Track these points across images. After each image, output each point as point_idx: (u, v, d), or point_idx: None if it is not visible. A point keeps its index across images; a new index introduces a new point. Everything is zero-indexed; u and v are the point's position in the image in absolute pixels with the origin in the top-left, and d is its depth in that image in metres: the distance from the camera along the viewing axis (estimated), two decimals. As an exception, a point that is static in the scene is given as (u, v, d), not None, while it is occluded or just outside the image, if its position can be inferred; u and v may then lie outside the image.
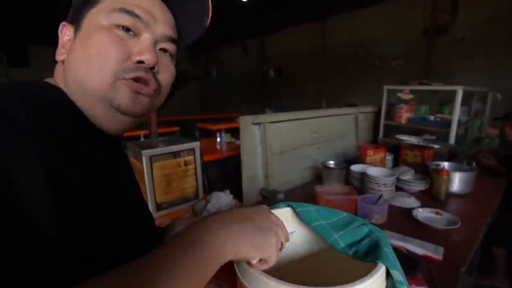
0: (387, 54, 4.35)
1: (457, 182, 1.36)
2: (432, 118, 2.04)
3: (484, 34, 3.37)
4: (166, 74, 0.42)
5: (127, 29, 0.38)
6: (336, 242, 0.43)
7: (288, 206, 0.51)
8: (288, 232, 0.43)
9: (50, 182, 0.28)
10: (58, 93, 0.38)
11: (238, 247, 0.35)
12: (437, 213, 1.15)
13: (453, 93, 1.84)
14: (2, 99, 0.30)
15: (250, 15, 5.64)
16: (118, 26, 0.37)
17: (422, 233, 1.00)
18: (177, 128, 4.37)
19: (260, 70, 6.78)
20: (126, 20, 0.37)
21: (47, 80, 0.41)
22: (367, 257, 0.39)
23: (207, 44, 7.85)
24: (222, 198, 1.24)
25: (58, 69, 0.41)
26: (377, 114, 2.31)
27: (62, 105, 0.37)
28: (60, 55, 0.40)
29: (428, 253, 0.88)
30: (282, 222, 0.42)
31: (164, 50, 0.42)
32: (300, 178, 1.69)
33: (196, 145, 1.32)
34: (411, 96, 2.04)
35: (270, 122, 1.45)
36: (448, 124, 1.89)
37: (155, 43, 0.40)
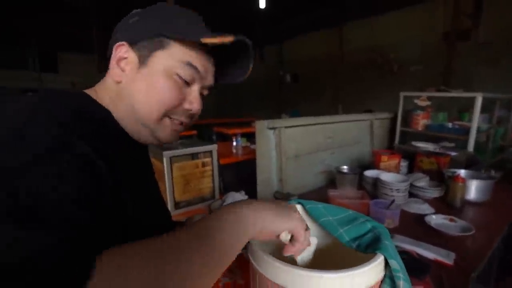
0: (406, 60, 4.29)
1: (473, 190, 1.34)
2: (450, 125, 2.01)
3: (509, 39, 3.26)
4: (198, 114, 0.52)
5: (186, 82, 0.46)
6: (341, 236, 0.48)
7: (299, 203, 0.56)
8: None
9: (88, 171, 0.32)
10: (102, 110, 0.45)
11: (265, 219, 0.39)
12: (451, 220, 1.15)
13: (473, 99, 1.81)
14: (57, 109, 0.35)
15: (268, 22, 5.74)
16: (180, 75, 0.44)
17: (434, 239, 1.01)
18: (194, 132, 4.50)
19: (276, 76, 6.84)
20: (188, 74, 0.45)
21: (88, 92, 0.46)
22: (368, 249, 0.43)
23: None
24: (237, 198, 1.29)
25: (108, 85, 0.46)
26: (393, 120, 2.30)
27: (104, 121, 0.44)
28: (117, 76, 0.45)
29: (439, 258, 0.89)
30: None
31: (201, 93, 0.51)
32: (314, 182, 1.72)
33: (213, 147, 1.39)
34: (428, 103, 2.02)
35: (286, 127, 1.50)
36: (467, 131, 1.86)
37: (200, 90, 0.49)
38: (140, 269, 0.27)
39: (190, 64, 0.44)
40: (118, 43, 0.44)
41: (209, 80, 0.49)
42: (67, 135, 0.32)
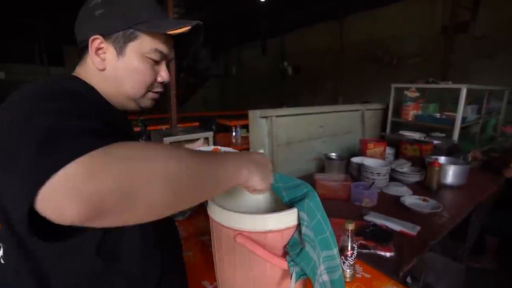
0: (405, 53, 4.32)
1: (450, 174, 1.44)
2: (438, 115, 2.10)
3: (506, 33, 3.29)
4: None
5: (155, 61, 0.58)
6: (283, 197, 0.61)
7: None
8: None
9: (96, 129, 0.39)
10: (91, 89, 0.54)
11: (252, 177, 0.46)
12: (424, 200, 1.26)
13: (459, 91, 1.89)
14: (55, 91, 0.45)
15: (270, 15, 5.78)
16: (151, 58, 0.56)
17: (406, 216, 1.12)
18: (197, 124, 4.63)
19: (278, 69, 6.90)
20: (157, 57, 0.56)
21: (76, 74, 0.55)
22: (293, 205, 0.56)
23: (228, 44, 8.10)
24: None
25: (92, 71, 0.54)
26: (386, 111, 2.38)
27: (92, 96, 0.54)
28: (99, 65, 0.53)
29: (404, 229, 1.01)
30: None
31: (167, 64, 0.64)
32: (306, 169, 1.83)
33: (209, 134, 1.51)
34: (417, 94, 2.10)
35: (277, 116, 1.61)
36: (453, 121, 1.95)
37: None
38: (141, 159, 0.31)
39: (158, 50, 0.55)
40: (92, 37, 0.51)
41: (172, 55, 0.60)
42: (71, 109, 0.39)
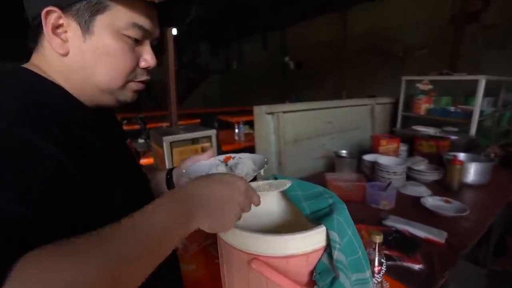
0: (411, 44, 4.18)
1: (472, 173, 1.34)
2: (452, 109, 1.99)
3: (519, 21, 3.15)
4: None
5: (135, 40, 0.44)
6: (303, 209, 0.51)
7: (275, 178, 0.59)
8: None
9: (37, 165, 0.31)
10: (51, 86, 0.41)
11: (203, 217, 0.37)
12: (446, 201, 1.16)
13: (477, 83, 1.78)
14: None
15: (270, 8, 5.63)
16: (129, 37, 0.42)
17: (429, 220, 1.02)
18: (197, 121, 4.53)
19: (279, 63, 6.76)
20: (137, 34, 0.43)
21: (29, 67, 0.42)
22: (318, 220, 0.46)
23: (228, 38, 7.95)
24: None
25: (51, 58, 0.41)
26: (395, 105, 2.27)
27: (55, 97, 0.41)
28: (60, 49, 0.40)
29: (431, 236, 0.91)
30: (249, 186, 0.44)
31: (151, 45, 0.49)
32: (313, 167, 1.74)
33: (212, 132, 1.41)
34: (430, 87, 1.99)
35: (284, 112, 1.51)
36: (469, 115, 1.84)
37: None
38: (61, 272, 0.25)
39: (137, 25, 0.42)
40: (46, 9, 0.37)
41: (157, 32, 0.47)
42: (15, 127, 0.31)
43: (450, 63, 3.56)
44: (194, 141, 1.40)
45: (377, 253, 0.65)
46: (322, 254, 0.44)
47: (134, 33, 0.42)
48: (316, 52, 5.91)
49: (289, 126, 1.55)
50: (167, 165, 1.33)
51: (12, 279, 0.23)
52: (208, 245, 0.93)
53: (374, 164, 1.43)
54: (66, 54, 0.41)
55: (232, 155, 0.65)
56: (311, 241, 0.42)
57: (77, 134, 0.38)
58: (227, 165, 0.62)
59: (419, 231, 0.94)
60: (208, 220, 0.37)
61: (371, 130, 2.13)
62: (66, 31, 0.40)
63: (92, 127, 0.44)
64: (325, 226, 0.43)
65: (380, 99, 2.22)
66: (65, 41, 0.40)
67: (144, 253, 0.30)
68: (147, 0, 0.41)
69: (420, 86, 2.01)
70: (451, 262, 0.80)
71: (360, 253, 0.48)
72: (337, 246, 0.42)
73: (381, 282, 0.67)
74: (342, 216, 0.47)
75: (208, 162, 0.63)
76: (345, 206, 0.50)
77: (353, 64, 5.20)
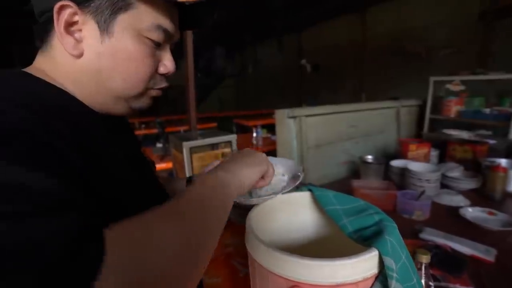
0: (435, 44, 4.00)
1: (516, 181, 1.22)
2: (488, 111, 1.85)
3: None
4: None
5: (157, 43, 0.40)
6: (345, 226, 0.45)
7: (309, 189, 0.54)
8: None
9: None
10: (58, 93, 0.37)
11: (242, 177, 0.44)
12: (490, 213, 1.05)
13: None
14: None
15: (286, 11, 5.59)
16: (151, 39, 0.39)
17: (471, 234, 0.92)
18: (214, 125, 4.54)
19: (296, 66, 6.70)
20: (160, 37, 0.39)
21: (33, 71, 0.37)
22: (366, 242, 0.40)
23: (243, 42, 7.98)
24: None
25: (62, 60, 0.37)
26: (422, 107, 2.15)
27: (63, 107, 0.36)
28: (73, 49, 0.36)
29: (477, 254, 0.82)
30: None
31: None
32: (337, 173, 1.66)
33: (233, 137, 1.37)
34: (461, 88, 1.86)
35: (306, 116, 1.45)
36: (507, 117, 1.70)
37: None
38: (158, 235, 0.27)
39: (161, 27, 0.38)
40: (60, 3, 0.33)
41: (177, 36, 0.43)
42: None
43: (480, 62, 3.36)
44: (214, 146, 1.37)
45: (423, 275, 0.58)
46: (374, 282, 0.37)
47: (157, 36, 0.39)
48: (334, 54, 5.80)
49: (312, 130, 1.48)
50: (187, 170, 1.30)
51: (113, 240, 0.23)
52: (230, 257, 0.89)
53: (404, 171, 1.33)
54: (79, 56, 0.37)
55: None
56: (363, 267, 0.36)
57: (86, 145, 0.33)
58: None
59: (463, 247, 0.85)
60: (241, 167, 0.44)
61: (397, 134, 2.03)
62: (80, 30, 0.36)
63: (102, 136, 0.40)
64: (378, 249, 0.37)
65: (405, 101, 2.10)
66: (79, 41, 0.36)
67: (201, 216, 0.33)
68: (172, 1, 0.37)
69: (451, 87, 1.88)
70: (506, 284, 0.71)
71: (415, 280, 0.41)
72: (394, 275, 0.36)
73: (428, 308, 0.60)
74: (394, 237, 0.41)
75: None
76: (395, 225, 0.44)
77: (373, 66, 5.05)
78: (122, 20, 0.36)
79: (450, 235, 0.92)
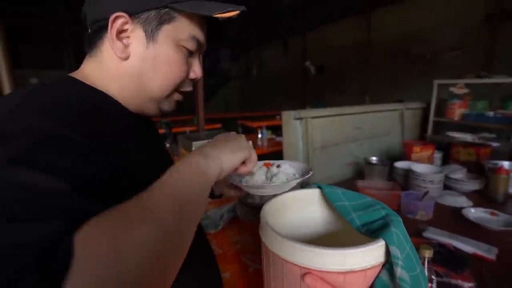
0: (441, 46, 4.01)
1: (519, 183, 1.24)
2: (491, 114, 1.87)
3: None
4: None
5: (190, 52, 0.45)
6: (353, 221, 0.49)
7: (318, 187, 0.57)
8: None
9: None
10: (96, 94, 0.42)
11: (223, 162, 0.41)
12: (492, 214, 1.08)
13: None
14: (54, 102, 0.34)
15: (291, 12, 5.63)
16: (186, 48, 0.44)
17: (473, 234, 0.95)
18: (219, 125, 4.58)
19: (300, 68, 6.73)
20: (193, 46, 0.45)
21: (75, 75, 0.42)
22: (373, 234, 0.43)
23: (248, 44, 8.04)
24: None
25: (108, 62, 0.42)
26: (426, 110, 2.17)
27: (99, 106, 0.41)
28: (121, 52, 0.40)
29: (479, 252, 0.84)
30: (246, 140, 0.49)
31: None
32: (341, 174, 1.69)
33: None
34: (465, 91, 1.88)
35: (312, 117, 1.48)
36: (511, 120, 1.72)
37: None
38: (132, 232, 0.25)
39: (195, 38, 0.44)
40: (115, 14, 0.38)
41: (205, 46, 0.48)
42: (57, 128, 0.30)
43: (486, 65, 3.37)
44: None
45: (426, 269, 0.61)
46: (381, 270, 0.41)
47: (191, 45, 0.44)
48: (339, 56, 5.82)
49: (317, 132, 1.52)
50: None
51: (81, 242, 0.22)
52: (240, 253, 0.92)
53: (408, 172, 1.36)
54: (126, 59, 0.42)
55: (271, 161, 0.64)
56: (370, 256, 0.40)
57: (118, 144, 0.39)
58: (267, 170, 0.60)
59: (465, 246, 0.88)
60: (221, 152, 0.41)
61: (401, 136, 2.05)
62: (128, 37, 0.41)
63: (135, 133, 0.46)
64: (385, 240, 0.40)
65: (409, 104, 2.13)
66: (126, 46, 0.41)
67: (177, 209, 0.31)
68: (203, 16, 0.42)
69: (454, 90, 1.91)
70: (506, 281, 0.74)
71: (418, 270, 0.44)
72: (399, 262, 0.39)
73: (431, 301, 0.63)
74: (400, 230, 0.44)
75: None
76: (401, 219, 0.47)
77: (378, 68, 5.07)
78: (166, 30, 0.41)
79: (453, 234, 0.94)
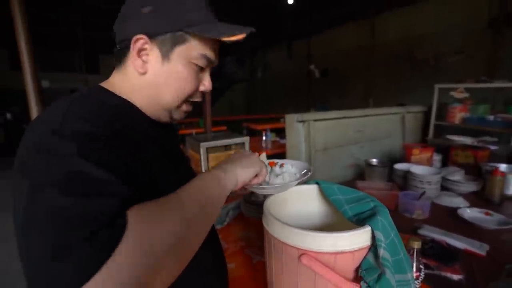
0: (444, 51, 4.04)
1: (515, 184, 1.28)
2: (491, 118, 1.90)
3: None
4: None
5: (200, 67, 0.52)
6: (346, 212, 0.55)
7: (316, 183, 0.64)
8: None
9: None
10: (123, 102, 0.50)
11: (238, 175, 0.51)
12: (487, 214, 1.12)
13: (518, 91, 1.70)
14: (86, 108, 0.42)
15: (296, 17, 5.71)
16: (197, 65, 0.50)
17: (468, 232, 0.99)
18: (224, 128, 4.66)
19: (305, 72, 6.80)
20: (204, 63, 0.51)
21: (105, 85, 0.50)
22: (362, 222, 0.49)
23: (254, 47, 8.14)
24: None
25: (130, 75, 0.49)
26: (427, 114, 2.22)
27: (126, 111, 0.49)
28: (140, 68, 0.48)
29: (471, 248, 0.89)
30: (259, 157, 0.60)
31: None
32: (343, 175, 1.74)
33: (246, 139, 1.47)
34: (465, 95, 1.93)
35: (315, 120, 1.54)
36: (510, 124, 1.75)
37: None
38: (167, 219, 0.35)
39: (205, 56, 0.50)
40: (137, 36, 0.45)
41: (216, 62, 0.54)
42: (95, 142, 0.37)
43: (489, 69, 3.40)
44: (227, 147, 1.48)
45: (415, 259, 0.67)
46: (367, 253, 0.47)
47: (202, 63, 0.51)
48: (342, 60, 5.88)
49: (320, 134, 1.58)
50: (203, 168, 1.41)
51: (133, 218, 0.31)
52: (244, 247, 0.98)
53: (406, 173, 1.41)
54: (144, 73, 0.49)
55: (275, 160, 0.70)
56: (358, 239, 0.46)
57: (140, 139, 0.46)
58: (271, 170, 0.67)
59: (457, 242, 0.92)
60: (236, 168, 0.51)
61: (402, 138, 2.10)
62: (147, 54, 0.48)
63: (153, 135, 0.53)
64: (371, 226, 0.46)
65: (411, 107, 2.18)
66: (145, 62, 0.48)
67: (198, 208, 0.40)
68: (217, 39, 0.49)
69: (455, 94, 1.95)
70: (495, 274, 0.79)
71: (402, 254, 0.50)
72: (383, 245, 0.45)
73: (419, 289, 0.68)
74: (385, 218, 0.50)
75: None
76: (387, 210, 0.53)
77: (381, 72, 5.11)
78: (179, 50, 0.48)
79: (447, 232, 0.99)
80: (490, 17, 3.50)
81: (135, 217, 0.31)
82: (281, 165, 0.68)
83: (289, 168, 0.66)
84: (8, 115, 6.77)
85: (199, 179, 0.45)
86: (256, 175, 0.56)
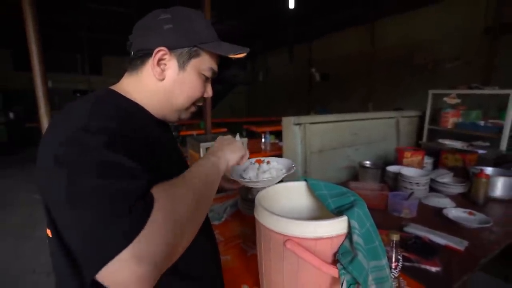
0: (442, 57, 4.12)
1: (499, 187, 1.35)
2: (482, 123, 1.97)
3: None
4: None
5: (206, 78, 0.62)
6: (329, 205, 0.62)
7: (305, 180, 0.71)
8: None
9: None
10: (133, 105, 0.57)
11: (228, 160, 0.63)
12: (470, 214, 1.18)
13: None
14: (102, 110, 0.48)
15: (298, 21, 5.80)
16: (205, 75, 0.60)
17: (451, 230, 1.06)
18: (225, 130, 4.74)
19: (306, 76, 6.88)
20: (210, 74, 0.61)
21: (116, 88, 0.57)
22: (341, 213, 0.56)
23: (255, 51, 8.23)
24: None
25: (147, 81, 0.57)
26: (422, 118, 2.28)
27: (136, 112, 0.57)
28: (159, 75, 0.56)
29: (451, 244, 0.96)
30: (240, 142, 0.71)
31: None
32: (338, 176, 1.81)
33: (244, 140, 1.54)
34: (457, 101, 1.99)
35: (310, 123, 1.61)
36: (500, 129, 1.82)
37: None
38: (183, 194, 0.44)
39: (212, 68, 0.61)
40: (159, 48, 0.54)
41: (217, 72, 0.64)
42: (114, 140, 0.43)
43: (485, 75, 3.47)
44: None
45: (394, 250, 0.73)
46: (344, 239, 0.54)
47: (209, 74, 0.60)
48: (343, 64, 5.96)
49: (316, 136, 1.64)
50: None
51: (157, 194, 0.39)
52: (240, 242, 1.05)
53: (397, 175, 1.47)
54: (162, 80, 0.57)
55: (262, 158, 0.78)
56: (336, 227, 0.52)
57: (148, 136, 0.54)
58: (259, 167, 0.74)
59: (439, 239, 0.99)
60: (225, 153, 0.63)
61: (396, 142, 2.16)
62: (166, 64, 0.56)
63: (157, 133, 0.61)
64: (347, 216, 0.53)
65: (406, 112, 2.24)
66: (163, 70, 0.57)
67: (202, 186, 0.50)
68: (224, 55, 0.58)
69: (447, 100, 2.02)
70: (470, 268, 0.85)
71: (377, 242, 0.57)
72: (356, 232, 0.52)
73: (398, 278, 0.75)
74: (362, 210, 0.57)
75: (245, 164, 0.77)
76: (365, 203, 0.60)
77: (381, 76, 5.18)
78: (193, 62, 0.58)
79: (430, 229, 1.06)
80: (486, 25, 3.58)
81: (159, 193, 0.40)
82: (268, 162, 0.75)
83: (275, 164, 0.73)
84: (11, 115, 6.87)
85: (199, 165, 0.55)
86: (242, 157, 0.69)
